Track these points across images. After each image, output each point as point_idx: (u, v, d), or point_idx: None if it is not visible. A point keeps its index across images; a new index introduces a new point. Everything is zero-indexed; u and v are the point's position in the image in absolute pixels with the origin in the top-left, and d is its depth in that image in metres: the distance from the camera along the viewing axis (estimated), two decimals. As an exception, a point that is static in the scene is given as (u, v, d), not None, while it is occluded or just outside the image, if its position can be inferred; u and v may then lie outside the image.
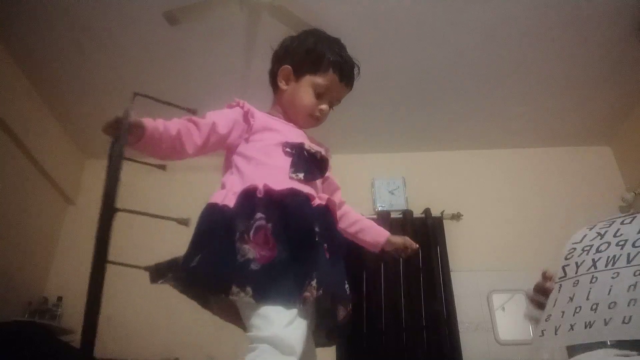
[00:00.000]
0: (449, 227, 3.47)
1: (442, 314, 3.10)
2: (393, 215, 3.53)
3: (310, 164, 1.23)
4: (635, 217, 1.00)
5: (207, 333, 2.78)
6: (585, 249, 1.00)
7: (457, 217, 3.52)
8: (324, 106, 1.34)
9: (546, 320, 0.96)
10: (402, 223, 3.47)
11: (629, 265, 0.89)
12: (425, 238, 3.38)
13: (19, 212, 3.17)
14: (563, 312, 0.93)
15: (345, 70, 1.35)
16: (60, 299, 3.22)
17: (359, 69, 1.41)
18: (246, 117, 1.28)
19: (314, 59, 1.32)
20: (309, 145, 1.27)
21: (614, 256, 0.93)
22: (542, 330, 0.95)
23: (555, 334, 0.91)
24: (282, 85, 1.36)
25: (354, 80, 1.40)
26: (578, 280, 0.95)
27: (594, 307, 0.87)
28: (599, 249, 0.97)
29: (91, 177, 3.85)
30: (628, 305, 0.82)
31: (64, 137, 3.61)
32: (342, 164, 3.89)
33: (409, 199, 3.66)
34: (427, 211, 3.50)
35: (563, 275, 1.00)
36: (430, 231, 3.41)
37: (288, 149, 1.23)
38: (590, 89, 3.28)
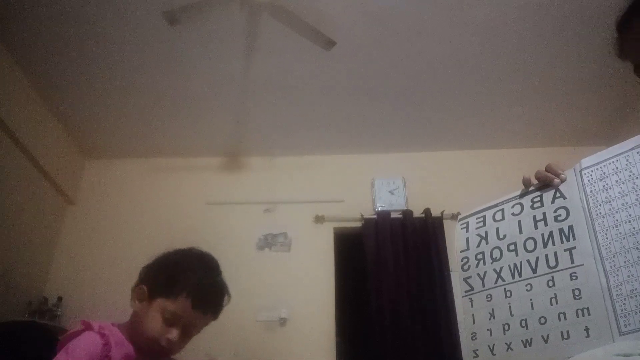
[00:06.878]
0: (449, 227, 3.46)
1: (441, 314, 3.11)
2: (393, 215, 3.53)
3: None
4: (503, 209, 0.99)
5: (207, 333, 2.78)
6: (478, 257, 0.98)
7: (457, 217, 3.50)
8: (172, 335, 1.20)
9: (473, 339, 0.94)
10: (402, 223, 3.48)
11: (536, 275, 0.88)
12: (425, 238, 3.39)
13: (19, 212, 3.17)
14: (490, 330, 0.91)
15: (201, 297, 1.23)
16: (60, 299, 3.21)
17: (229, 297, 1.31)
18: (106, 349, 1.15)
19: (167, 282, 1.23)
20: None
21: (515, 265, 0.91)
22: (475, 351, 0.93)
23: (493, 354, 0.89)
24: (134, 304, 1.25)
25: (217, 308, 1.29)
26: (490, 295, 0.93)
27: (523, 323, 0.86)
28: (494, 257, 0.95)
29: (91, 177, 3.86)
30: (560, 320, 0.82)
31: (64, 137, 3.61)
32: (342, 164, 3.94)
33: (409, 199, 3.66)
34: (427, 211, 3.50)
35: (469, 288, 0.98)
36: (430, 231, 3.41)
37: None
38: (590, 89, 3.28)
